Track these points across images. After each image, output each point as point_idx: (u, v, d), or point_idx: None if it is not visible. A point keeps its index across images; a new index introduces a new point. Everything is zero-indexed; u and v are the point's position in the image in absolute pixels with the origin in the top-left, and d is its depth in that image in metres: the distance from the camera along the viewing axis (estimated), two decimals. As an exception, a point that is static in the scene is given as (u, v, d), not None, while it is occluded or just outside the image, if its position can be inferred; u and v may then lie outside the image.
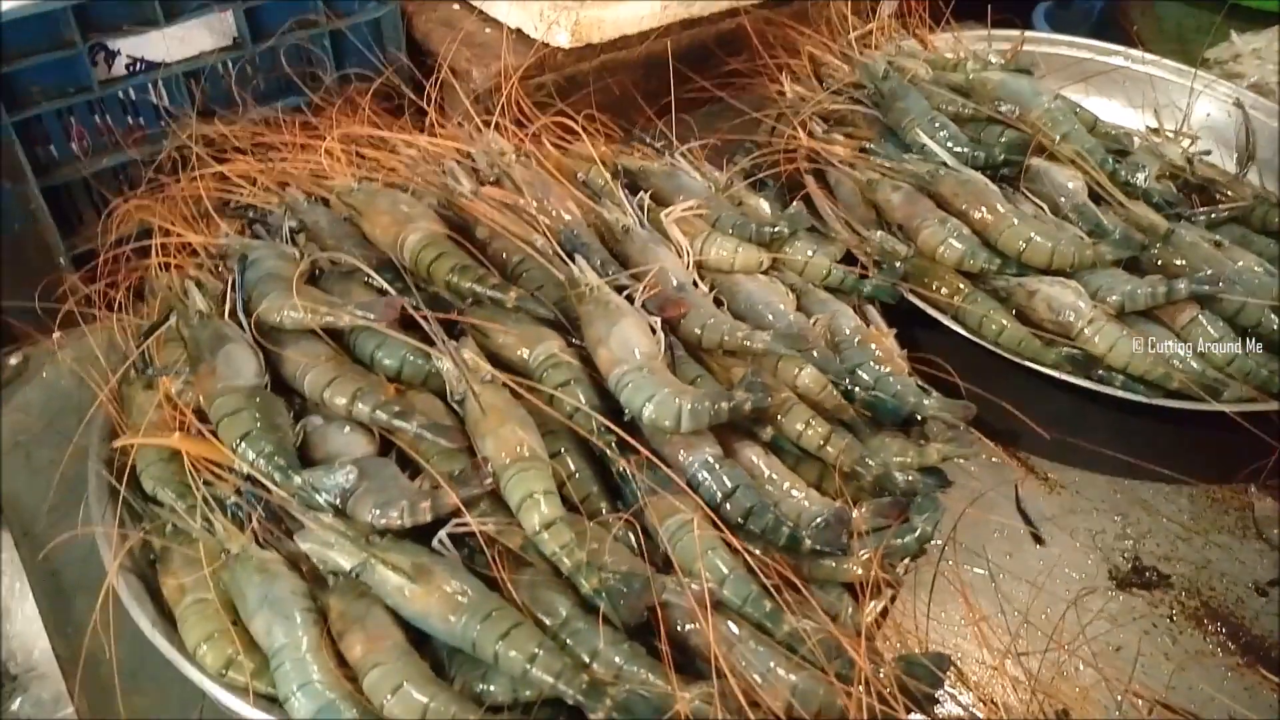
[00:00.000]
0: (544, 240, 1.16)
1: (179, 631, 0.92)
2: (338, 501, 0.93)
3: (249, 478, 0.97)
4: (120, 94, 1.42)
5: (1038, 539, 1.18)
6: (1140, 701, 1.00)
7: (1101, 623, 1.10)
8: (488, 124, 1.40)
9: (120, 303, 1.21)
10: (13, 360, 1.33)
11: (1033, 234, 1.31)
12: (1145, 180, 1.44)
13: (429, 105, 1.46)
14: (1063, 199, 1.40)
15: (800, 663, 0.91)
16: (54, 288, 1.25)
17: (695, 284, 1.22)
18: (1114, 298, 1.28)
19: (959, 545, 1.13)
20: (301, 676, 0.85)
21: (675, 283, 1.19)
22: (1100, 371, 1.24)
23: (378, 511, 0.92)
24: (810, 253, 1.33)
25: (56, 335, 1.28)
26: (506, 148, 1.34)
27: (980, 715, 0.94)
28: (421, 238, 1.15)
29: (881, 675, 0.91)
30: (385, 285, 1.10)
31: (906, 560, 1.05)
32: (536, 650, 0.86)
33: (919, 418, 1.15)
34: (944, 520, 1.10)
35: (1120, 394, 1.23)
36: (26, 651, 1.16)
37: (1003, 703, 0.96)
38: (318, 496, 0.94)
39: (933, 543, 1.07)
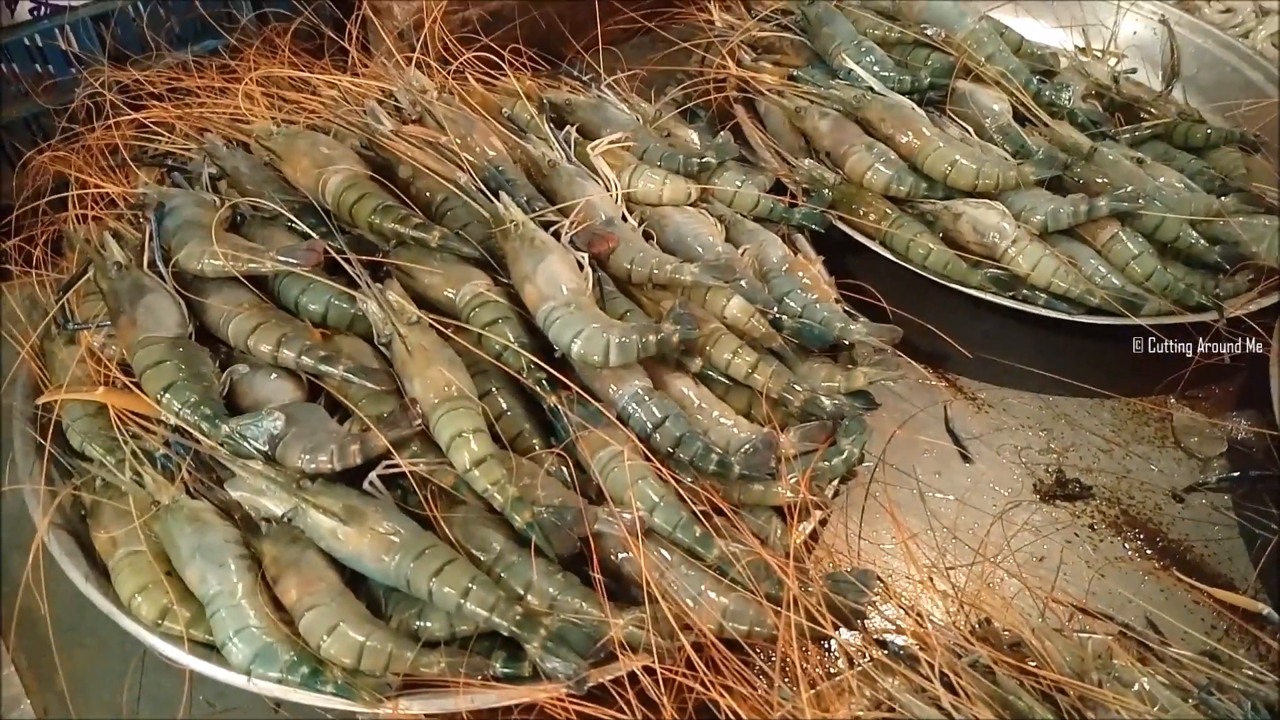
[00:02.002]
0: (468, 178, 1.15)
1: (113, 585, 0.92)
2: (267, 448, 0.93)
3: (177, 429, 0.96)
4: (26, 40, 1.37)
5: (965, 457, 1.21)
6: (1061, 608, 1.04)
7: (1026, 535, 1.14)
8: (410, 61, 1.38)
9: (38, 258, 1.19)
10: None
11: (958, 157, 1.32)
12: (1070, 100, 1.45)
13: (350, 44, 1.43)
14: (988, 120, 1.41)
15: (731, 585, 0.93)
16: (-32, 245, 1.22)
17: (624, 217, 1.22)
18: (1037, 217, 1.29)
19: (888, 466, 1.16)
20: (237, 622, 0.86)
21: (603, 217, 1.18)
22: (1024, 291, 1.27)
23: (307, 456, 0.93)
24: (739, 183, 1.33)
25: (-27, 294, 1.25)
26: (428, 85, 1.32)
27: (905, 628, 0.97)
28: (343, 180, 1.13)
29: (810, 594, 0.94)
30: (307, 230, 1.08)
31: (835, 482, 1.07)
32: (470, 585, 0.87)
33: (846, 343, 1.17)
34: (873, 442, 1.12)
35: (1043, 312, 1.25)
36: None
37: (928, 615, 0.99)
38: (246, 444, 0.93)
39: (862, 465, 1.09)
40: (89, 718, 0.95)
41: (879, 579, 1.00)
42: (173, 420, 0.96)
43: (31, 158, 1.31)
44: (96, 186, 1.21)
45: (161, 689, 0.94)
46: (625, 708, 0.86)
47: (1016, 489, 1.18)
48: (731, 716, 0.85)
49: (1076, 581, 1.09)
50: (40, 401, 1.04)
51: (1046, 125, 1.41)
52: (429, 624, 0.88)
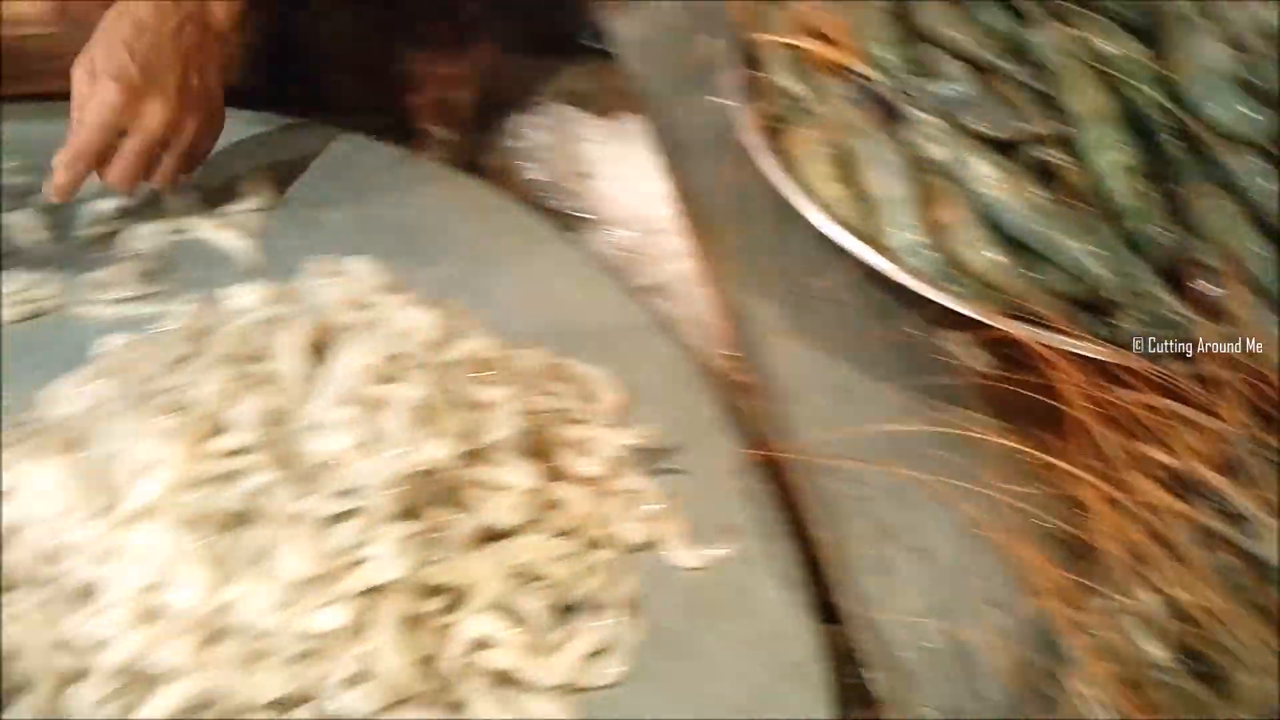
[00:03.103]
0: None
1: (799, 173, 1.17)
2: (944, 106, 1.15)
3: (871, 76, 1.20)
4: None
5: None
6: None
7: None
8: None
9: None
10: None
11: None
12: None
13: None
14: None
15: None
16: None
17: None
18: None
19: None
20: (904, 219, 1.09)
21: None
22: None
23: (977, 121, 1.13)
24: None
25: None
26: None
27: None
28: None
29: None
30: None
31: None
32: (1093, 250, 1.05)
33: None
34: None
35: None
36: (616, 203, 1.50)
37: None
38: (928, 100, 1.16)
39: None
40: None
41: None
42: (869, 70, 1.20)
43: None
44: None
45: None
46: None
47: None
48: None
49: None
50: (751, 39, 1.31)
51: None
52: (1045, 275, 1.07)
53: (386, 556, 0.79)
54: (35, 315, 1.18)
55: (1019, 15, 1.24)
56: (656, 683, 0.89)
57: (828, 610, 0.97)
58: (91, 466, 0.80)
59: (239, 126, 1.42)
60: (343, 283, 0.99)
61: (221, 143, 1.36)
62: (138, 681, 0.80)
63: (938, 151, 1.14)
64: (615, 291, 1.25)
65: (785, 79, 1.26)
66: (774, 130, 1.24)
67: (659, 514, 0.98)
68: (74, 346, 1.09)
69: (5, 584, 0.85)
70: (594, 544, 0.94)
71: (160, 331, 1.00)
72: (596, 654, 0.88)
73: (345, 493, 0.80)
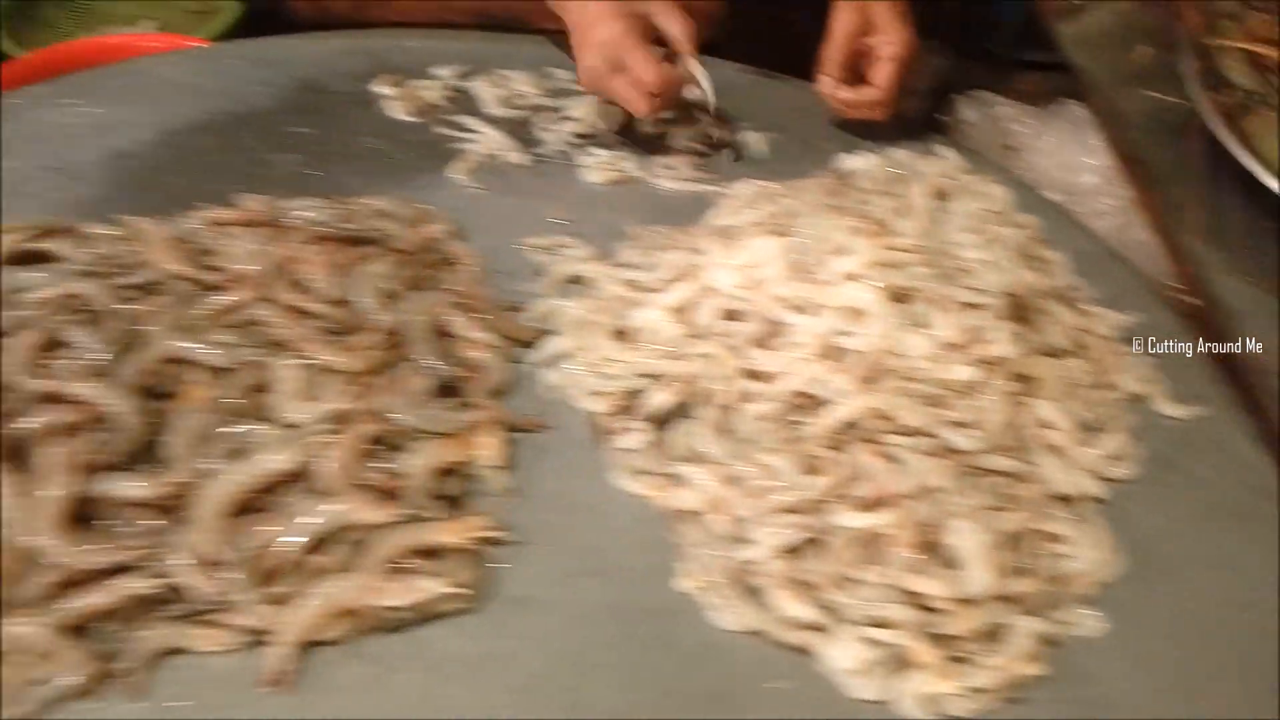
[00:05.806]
0: None
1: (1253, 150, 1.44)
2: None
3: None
4: None
5: None
6: None
7: None
8: None
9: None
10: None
11: None
12: None
13: None
14: None
15: None
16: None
17: None
18: None
19: None
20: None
21: None
22: None
23: None
24: None
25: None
26: None
27: None
28: None
29: None
30: None
31: None
32: None
33: None
34: None
35: None
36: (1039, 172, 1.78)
37: None
38: (1381, 101, 1.41)
39: None
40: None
41: None
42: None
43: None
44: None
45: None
46: None
47: None
48: None
49: None
50: (1211, 42, 1.59)
51: None
52: None
53: (1002, 340, 1.09)
54: (624, 181, 1.55)
55: None
56: (1155, 486, 1.17)
57: (1285, 467, 1.22)
58: (797, 246, 1.14)
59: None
60: (935, 161, 1.33)
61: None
62: (802, 405, 1.13)
63: None
64: (1070, 225, 1.53)
65: (1241, 76, 1.53)
66: (1230, 116, 1.51)
67: (1149, 375, 1.26)
68: (657, 205, 1.44)
69: (697, 332, 1.20)
70: (1103, 385, 1.23)
71: (790, 181, 1.34)
72: (1113, 457, 1.16)
73: (973, 290, 1.11)
